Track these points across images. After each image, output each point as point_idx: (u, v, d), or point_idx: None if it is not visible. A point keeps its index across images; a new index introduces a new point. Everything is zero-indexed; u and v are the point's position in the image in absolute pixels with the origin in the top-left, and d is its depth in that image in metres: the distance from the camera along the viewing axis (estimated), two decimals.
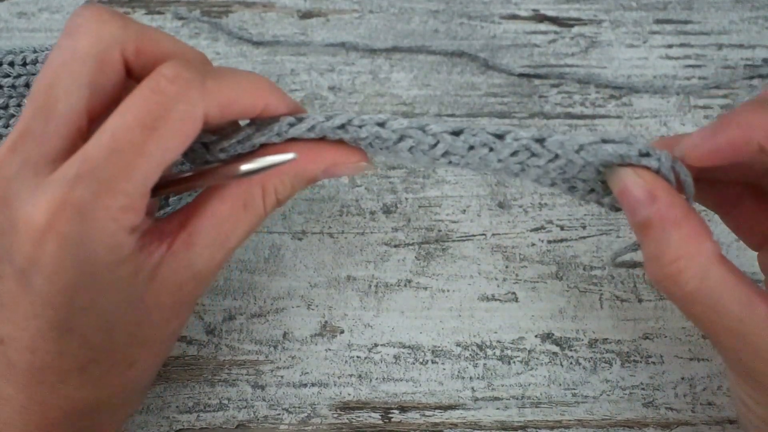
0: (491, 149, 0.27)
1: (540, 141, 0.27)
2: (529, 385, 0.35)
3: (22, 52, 0.38)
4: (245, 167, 0.26)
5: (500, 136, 0.27)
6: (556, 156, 0.27)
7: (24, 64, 0.38)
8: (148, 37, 0.26)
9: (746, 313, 0.25)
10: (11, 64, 0.38)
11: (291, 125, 0.28)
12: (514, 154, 0.27)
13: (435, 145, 0.27)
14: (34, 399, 0.26)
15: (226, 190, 0.27)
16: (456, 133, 0.27)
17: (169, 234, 0.26)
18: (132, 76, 0.26)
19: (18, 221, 0.23)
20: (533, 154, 0.27)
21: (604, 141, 0.26)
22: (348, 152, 0.28)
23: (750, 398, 0.27)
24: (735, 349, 0.26)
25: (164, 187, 0.26)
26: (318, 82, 0.44)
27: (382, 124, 0.27)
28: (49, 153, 0.24)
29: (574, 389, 0.35)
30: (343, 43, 0.44)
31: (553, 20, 0.46)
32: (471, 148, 0.27)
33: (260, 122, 0.28)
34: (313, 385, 0.35)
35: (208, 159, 0.29)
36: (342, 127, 0.27)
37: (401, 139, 0.27)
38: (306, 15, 0.46)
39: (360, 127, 0.27)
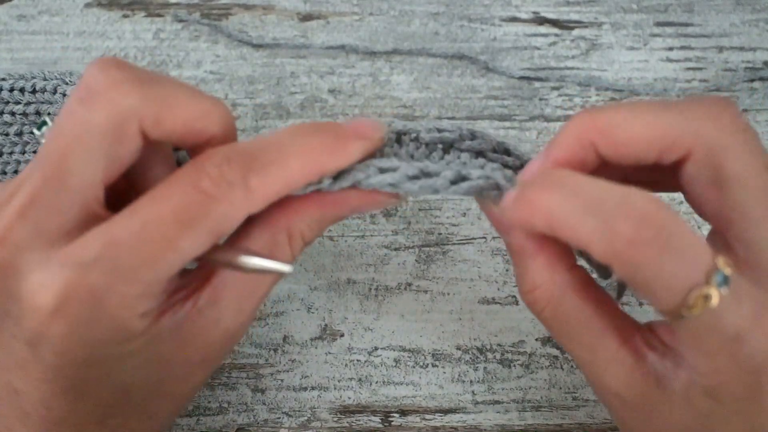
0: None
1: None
2: (530, 388, 0.35)
3: (33, 77, 0.38)
4: (249, 263, 0.25)
5: (497, 188, 0.27)
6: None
7: (33, 92, 0.38)
8: (168, 104, 0.24)
9: (597, 345, 0.25)
10: (21, 90, 0.38)
11: (319, 183, 0.27)
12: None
13: (436, 191, 0.27)
14: None
15: (250, 239, 0.26)
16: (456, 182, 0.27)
17: (194, 289, 0.26)
18: (150, 142, 0.25)
19: (26, 296, 0.23)
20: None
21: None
22: (378, 193, 0.27)
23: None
24: (587, 378, 0.27)
25: None
26: (318, 84, 0.44)
27: (394, 185, 0.27)
28: (64, 225, 0.23)
29: (574, 393, 0.35)
30: (343, 45, 0.44)
31: (553, 23, 0.46)
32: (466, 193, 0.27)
33: None
34: (313, 388, 0.35)
35: None
36: (369, 184, 0.27)
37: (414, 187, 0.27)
38: (306, 17, 0.46)
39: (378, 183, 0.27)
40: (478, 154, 0.29)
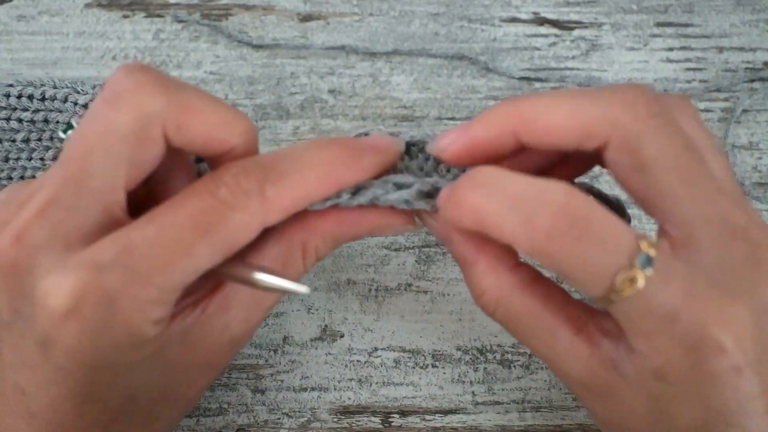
0: None
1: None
2: (530, 389, 0.35)
3: (42, 85, 0.38)
4: (265, 281, 0.25)
5: None
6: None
7: (42, 99, 0.37)
8: (191, 110, 0.24)
9: (551, 339, 0.25)
10: (30, 97, 0.38)
11: (337, 198, 0.27)
12: None
13: None
14: None
15: (264, 250, 0.27)
16: None
17: (204, 296, 0.26)
18: (172, 150, 0.25)
19: (39, 297, 0.23)
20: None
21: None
22: (394, 215, 0.28)
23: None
24: (552, 371, 0.27)
25: None
26: (318, 85, 0.43)
27: (409, 202, 0.27)
28: (82, 227, 0.23)
29: None
30: (343, 46, 0.44)
31: (553, 23, 0.46)
32: None
33: None
34: (313, 389, 0.35)
35: None
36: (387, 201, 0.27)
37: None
38: (306, 18, 0.46)
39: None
40: None
